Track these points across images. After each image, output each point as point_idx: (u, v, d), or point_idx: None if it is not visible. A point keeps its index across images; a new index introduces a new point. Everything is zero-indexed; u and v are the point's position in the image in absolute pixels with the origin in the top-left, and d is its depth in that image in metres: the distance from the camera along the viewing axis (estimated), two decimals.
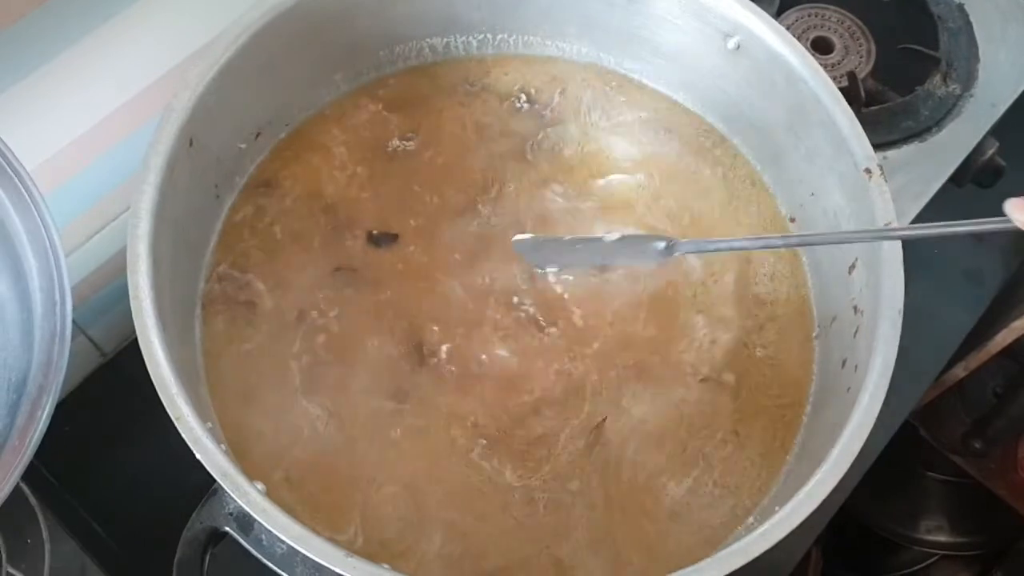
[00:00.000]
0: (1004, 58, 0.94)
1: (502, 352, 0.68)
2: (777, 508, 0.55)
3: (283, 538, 0.50)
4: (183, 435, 0.52)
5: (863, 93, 0.89)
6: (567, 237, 0.71)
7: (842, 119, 0.66)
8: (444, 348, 0.67)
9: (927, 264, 0.95)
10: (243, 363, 0.65)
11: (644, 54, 0.77)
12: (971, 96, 0.92)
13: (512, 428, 0.66)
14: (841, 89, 0.68)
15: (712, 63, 0.73)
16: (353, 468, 0.63)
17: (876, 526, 1.33)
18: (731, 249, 0.70)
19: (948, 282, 0.96)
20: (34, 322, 0.56)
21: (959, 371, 1.07)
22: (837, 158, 0.67)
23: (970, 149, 0.89)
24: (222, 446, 0.54)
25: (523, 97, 0.78)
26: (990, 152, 0.90)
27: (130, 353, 0.56)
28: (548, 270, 0.70)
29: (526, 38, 0.78)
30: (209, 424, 0.55)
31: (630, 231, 0.72)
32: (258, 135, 0.71)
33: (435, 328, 0.68)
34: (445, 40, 0.77)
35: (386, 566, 0.51)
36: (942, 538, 1.33)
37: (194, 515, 0.57)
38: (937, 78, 0.92)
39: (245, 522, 0.56)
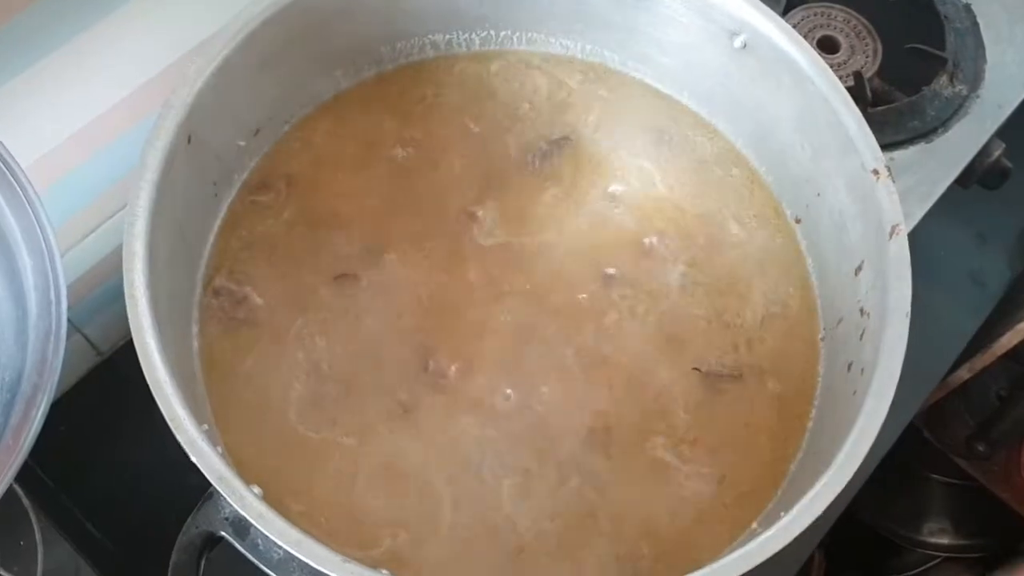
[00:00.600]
0: (1011, 59, 0.93)
1: (510, 361, 0.67)
2: (782, 513, 0.54)
3: (280, 543, 0.49)
4: (178, 438, 0.52)
5: (869, 93, 0.88)
6: None
7: (849, 119, 0.66)
8: (449, 356, 0.67)
9: (932, 266, 0.94)
10: (240, 364, 0.65)
11: (649, 53, 0.76)
12: (978, 97, 0.91)
13: (519, 436, 0.65)
14: (847, 89, 0.67)
15: (718, 62, 0.72)
16: (353, 475, 0.62)
17: (879, 528, 1.33)
18: None
19: (953, 284, 0.96)
20: (29, 321, 0.55)
21: (963, 373, 1.07)
22: (844, 159, 0.66)
23: (976, 150, 0.89)
24: (218, 449, 0.53)
25: (526, 96, 0.77)
26: (996, 153, 0.90)
27: (126, 352, 0.55)
28: None
29: (530, 35, 0.77)
30: (205, 426, 0.54)
31: None
32: (257, 132, 0.70)
33: (440, 336, 0.67)
34: (447, 37, 0.76)
35: (385, 572, 0.51)
36: (945, 540, 1.32)
37: (189, 519, 0.56)
38: (944, 78, 0.91)
39: (241, 527, 0.56)
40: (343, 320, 0.67)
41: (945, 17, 0.95)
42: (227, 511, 0.56)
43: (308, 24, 0.68)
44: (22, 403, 0.53)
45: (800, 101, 0.69)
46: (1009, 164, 0.90)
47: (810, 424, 0.66)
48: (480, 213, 0.72)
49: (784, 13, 0.92)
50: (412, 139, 0.74)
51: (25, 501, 0.71)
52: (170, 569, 0.55)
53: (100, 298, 0.80)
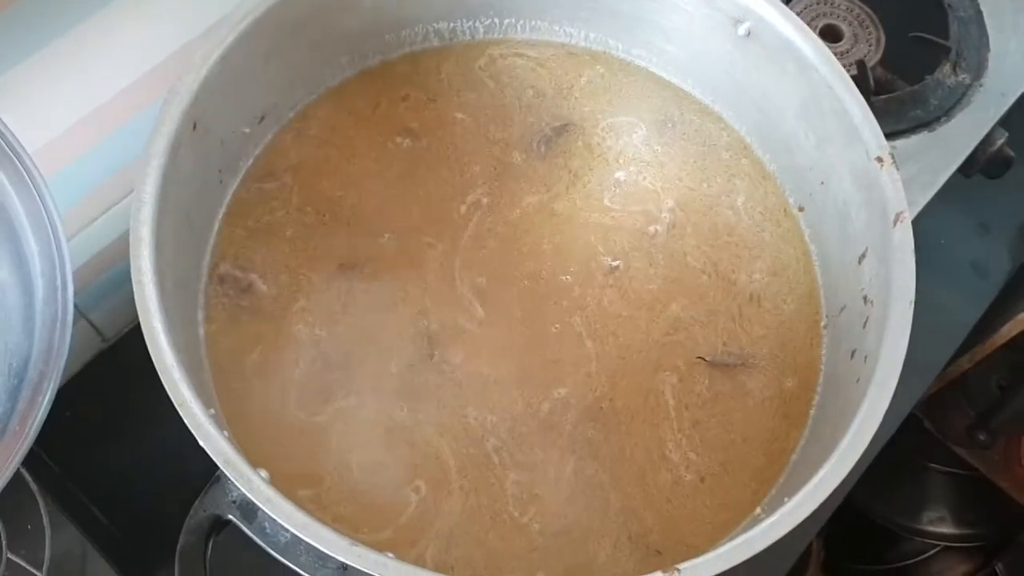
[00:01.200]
0: (1015, 48, 0.93)
1: (515, 346, 0.68)
2: (786, 499, 0.54)
3: (287, 526, 0.50)
4: (186, 421, 0.52)
5: (872, 82, 0.88)
6: None
7: (854, 107, 0.66)
8: (453, 343, 0.67)
9: (933, 255, 0.94)
10: (246, 351, 0.65)
11: (653, 41, 0.76)
12: (981, 86, 0.91)
13: (524, 422, 0.65)
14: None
15: (722, 50, 0.72)
16: (358, 464, 0.63)
17: (878, 517, 1.33)
18: None
19: (954, 274, 0.96)
20: (35, 307, 0.55)
21: (964, 363, 1.07)
22: (848, 146, 0.66)
23: (979, 139, 0.89)
24: (224, 432, 0.53)
25: (530, 84, 0.77)
26: (999, 142, 0.90)
27: (132, 338, 0.55)
28: None
29: (533, 23, 0.77)
30: (212, 410, 0.54)
31: None
32: (262, 119, 0.70)
33: (444, 323, 0.67)
34: (451, 25, 0.76)
35: (390, 554, 0.51)
36: (944, 529, 1.33)
37: (196, 503, 0.56)
38: (947, 67, 0.91)
39: (248, 510, 0.56)
40: (348, 307, 0.67)
41: (948, 5, 0.95)
42: (234, 494, 0.56)
43: (313, 11, 0.68)
44: (29, 389, 0.53)
45: (804, 89, 0.69)
46: (1012, 153, 0.90)
47: (813, 411, 0.67)
48: (484, 200, 0.72)
49: (787, 1, 0.92)
50: (416, 127, 0.74)
51: (33, 486, 0.71)
52: (177, 552, 0.56)
53: (105, 284, 0.80)
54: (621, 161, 0.75)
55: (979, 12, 0.94)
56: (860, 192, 0.66)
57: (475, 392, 0.66)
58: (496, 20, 0.77)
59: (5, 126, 0.55)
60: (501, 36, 0.78)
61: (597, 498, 0.63)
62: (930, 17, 0.94)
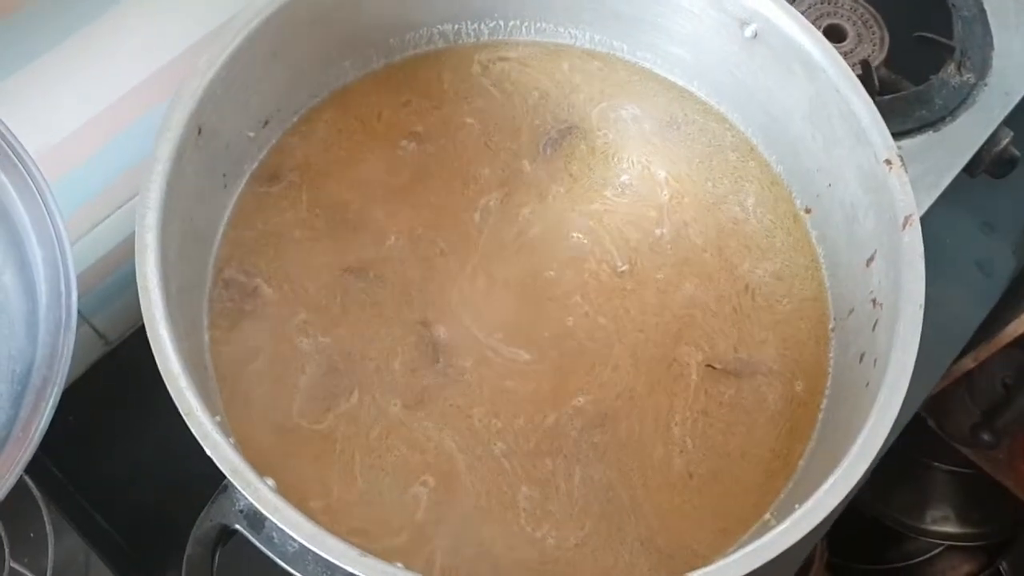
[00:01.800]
0: (1019, 47, 0.93)
1: (521, 351, 0.67)
2: (796, 506, 0.54)
3: (295, 536, 0.49)
4: (192, 430, 0.51)
5: (876, 82, 0.88)
6: None
7: (861, 109, 0.65)
8: (459, 348, 0.66)
9: (938, 255, 0.93)
10: (251, 357, 0.64)
11: (659, 43, 0.76)
12: (985, 85, 0.91)
13: (532, 425, 0.65)
14: None
15: (728, 51, 0.72)
16: (367, 467, 0.62)
17: (882, 516, 1.33)
18: None
19: (959, 273, 0.96)
20: (39, 313, 0.55)
21: (968, 362, 1.07)
22: (856, 148, 0.66)
23: (984, 139, 0.88)
24: (231, 440, 0.53)
25: (535, 86, 0.77)
26: (1004, 142, 0.90)
27: (134, 341, 0.55)
28: None
29: (539, 25, 0.77)
30: (218, 418, 0.54)
31: None
32: (267, 123, 0.70)
33: (449, 330, 0.67)
34: (456, 27, 0.76)
35: (399, 565, 0.50)
36: (948, 529, 1.33)
37: (204, 512, 0.56)
38: (951, 67, 0.91)
39: (256, 519, 0.55)
40: (353, 312, 0.67)
41: (952, 5, 0.94)
42: (242, 504, 0.56)
43: (317, 14, 0.67)
44: (32, 395, 0.53)
45: (811, 91, 0.68)
46: (1017, 153, 0.90)
47: (821, 415, 0.66)
48: (491, 203, 0.72)
49: (791, 2, 0.92)
50: (422, 129, 0.74)
51: (36, 492, 0.71)
52: (184, 562, 0.55)
53: (108, 288, 0.79)
54: (627, 163, 0.75)
55: (983, 11, 0.94)
56: (868, 195, 0.66)
57: (481, 397, 0.65)
58: (500, 22, 0.77)
59: (8, 130, 0.55)
60: (506, 38, 0.77)
61: (610, 503, 0.63)
62: (934, 17, 0.94)
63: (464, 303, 0.68)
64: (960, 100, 0.90)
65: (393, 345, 0.66)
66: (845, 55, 0.90)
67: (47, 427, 0.51)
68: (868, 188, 0.66)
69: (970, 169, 0.89)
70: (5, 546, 0.70)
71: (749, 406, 0.67)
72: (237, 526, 0.56)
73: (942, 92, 0.90)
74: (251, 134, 0.68)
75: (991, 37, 0.93)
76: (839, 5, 0.94)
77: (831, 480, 0.54)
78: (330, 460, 0.62)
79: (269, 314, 0.66)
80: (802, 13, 0.91)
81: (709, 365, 0.67)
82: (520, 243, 0.71)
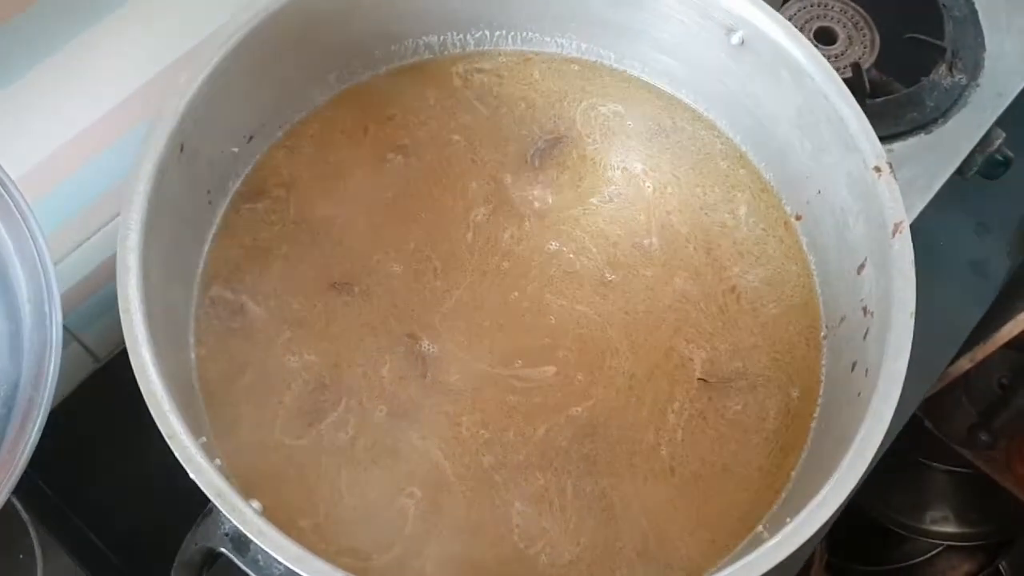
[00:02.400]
0: (1010, 47, 0.92)
1: (513, 363, 0.67)
2: (788, 519, 0.54)
3: (280, 559, 0.49)
4: (176, 454, 0.51)
5: (867, 84, 0.88)
6: None
7: (850, 115, 0.65)
8: (446, 363, 0.66)
9: (933, 257, 0.94)
10: (238, 375, 0.64)
11: (646, 51, 0.75)
12: (977, 86, 0.90)
13: (522, 437, 0.64)
14: (845, 81, 0.66)
15: (715, 59, 0.71)
16: (354, 484, 0.62)
17: (881, 517, 1.33)
18: None
19: (954, 274, 0.95)
20: (23, 333, 0.55)
21: (965, 363, 1.07)
22: (845, 155, 0.65)
23: (977, 140, 0.88)
24: (217, 462, 0.52)
25: (522, 96, 0.76)
26: (997, 143, 0.89)
27: (124, 359, 0.55)
28: None
29: (525, 34, 0.76)
30: (203, 439, 0.53)
31: None
32: (251, 139, 0.69)
33: (438, 343, 0.67)
34: (441, 38, 0.75)
35: None
36: (947, 529, 1.32)
37: (188, 536, 0.55)
38: (943, 68, 0.91)
39: (241, 542, 0.55)
40: (340, 327, 0.66)
41: (943, 6, 0.94)
42: (227, 527, 0.55)
43: (300, 29, 0.67)
44: (18, 417, 0.52)
45: (799, 97, 0.68)
46: (1010, 153, 0.90)
47: (814, 424, 0.66)
48: (480, 216, 0.71)
49: (779, 5, 0.91)
50: (408, 143, 0.73)
51: (24, 515, 0.70)
52: None
53: (97, 305, 0.79)
54: (615, 172, 0.74)
55: (974, 12, 0.94)
56: (857, 201, 0.65)
57: (470, 413, 0.65)
58: (486, 32, 0.76)
59: None
60: (492, 48, 0.77)
61: (604, 512, 0.63)
62: (925, 18, 0.94)
63: (453, 316, 0.68)
64: (952, 101, 0.89)
65: (381, 354, 0.66)
66: (835, 58, 0.90)
67: (34, 449, 0.51)
68: (857, 194, 0.65)
69: (963, 171, 0.89)
70: None
71: (748, 424, 0.66)
72: (222, 549, 0.55)
73: (934, 94, 0.89)
74: (235, 150, 0.68)
75: (983, 38, 0.93)
76: (829, 8, 0.94)
77: (823, 493, 0.54)
78: (316, 476, 0.62)
79: (256, 331, 0.65)
80: (792, 17, 0.91)
81: (701, 379, 0.67)
82: (510, 255, 0.70)
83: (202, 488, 0.50)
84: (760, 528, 0.62)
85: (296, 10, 0.65)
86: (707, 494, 0.64)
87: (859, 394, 0.60)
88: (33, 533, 0.70)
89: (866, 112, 0.65)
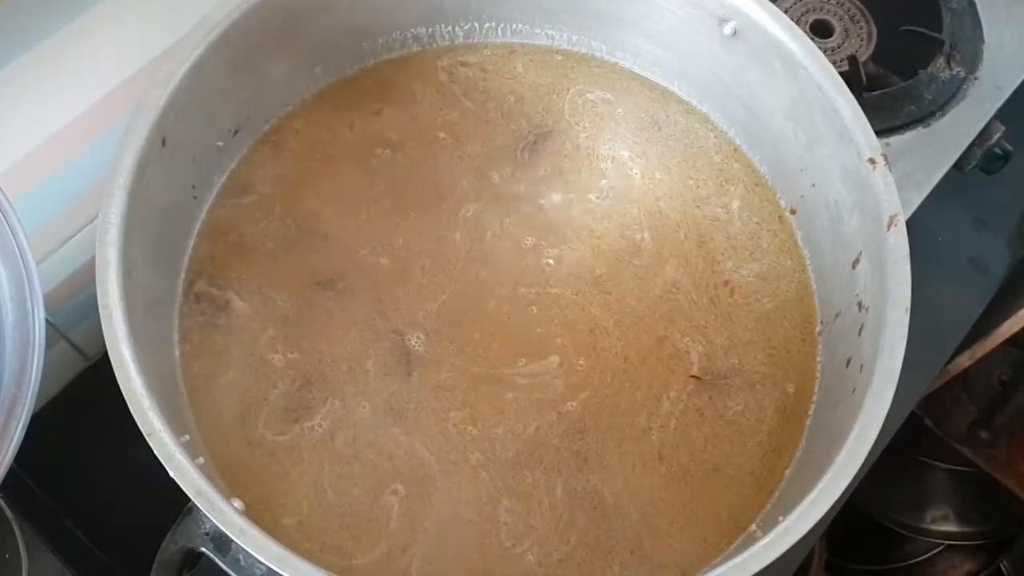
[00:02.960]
0: (1009, 39, 0.91)
1: (498, 363, 0.66)
2: (781, 518, 0.53)
3: (261, 559, 0.48)
4: (155, 451, 0.50)
5: (864, 77, 0.87)
6: None
7: (844, 107, 0.64)
8: (433, 360, 0.65)
9: (931, 252, 0.93)
10: (222, 372, 0.63)
11: (637, 42, 0.74)
12: (976, 79, 0.89)
13: (512, 434, 0.64)
14: (841, 73, 0.65)
15: (708, 50, 0.70)
16: (337, 480, 0.61)
17: (881, 516, 1.32)
18: None
19: (953, 270, 0.94)
20: (5, 332, 0.54)
21: (964, 360, 1.06)
22: (839, 148, 0.64)
23: (975, 134, 0.87)
24: (199, 461, 0.52)
25: (511, 89, 0.75)
26: (996, 136, 0.88)
27: None
28: None
29: (514, 26, 0.76)
30: (186, 437, 0.53)
31: None
32: (236, 132, 0.68)
33: (424, 339, 0.66)
34: (430, 30, 0.74)
35: None
36: (947, 528, 1.32)
37: (168, 535, 0.55)
38: (940, 61, 0.90)
39: (222, 542, 0.54)
40: (326, 325, 0.65)
41: None
42: (207, 526, 0.54)
43: (283, 21, 0.66)
44: (2, 416, 0.52)
45: (793, 89, 0.67)
46: (1009, 147, 0.89)
47: (808, 422, 0.65)
48: (468, 212, 0.70)
49: None
50: (396, 136, 0.72)
51: (8, 513, 0.70)
52: None
53: (84, 303, 0.78)
54: (606, 165, 0.73)
55: (972, 3, 0.93)
56: (852, 194, 0.64)
57: (457, 410, 0.64)
58: (475, 24, 0.75)
59: None
60: (481, 40, 0.76)
61: (596, 509, 0.62)
62: (922, 10, 0.93)
63: (439, 313, 0.67)
64: (950, 94, 0.88)
65: (366, 351, 0.65)
66: (832, 51, 0.89)
67: (18, 449, 0.50)
68: (852, 187, 0.64)
69: (961, 165, 0.88)
70: None
71: (745, 427, 0.65)
72: (203, 549, 0.54)
73: (931, 87, 0.88)
74: (220, 144, 0.67)
75: (981, 30, 0.92)
76: (825, 0, 0.93)
77: (816, 491, 0.53)
78: (299, 473, 0.61)
79: (241, 327, 0.65)
80: (787, 9, 0.90)
81: (694, 376, 0.66)
82: (499, 251, 0.69)
83: (182, 486, 0.50)
84: (753, 527, 0.61)
85: (277, 2, 0.64)
86: (695, 492, 0.63)
87: (854, 391, 0.59)
88: (18, 532, 0.69)
89: (863, 106, 0.64)
